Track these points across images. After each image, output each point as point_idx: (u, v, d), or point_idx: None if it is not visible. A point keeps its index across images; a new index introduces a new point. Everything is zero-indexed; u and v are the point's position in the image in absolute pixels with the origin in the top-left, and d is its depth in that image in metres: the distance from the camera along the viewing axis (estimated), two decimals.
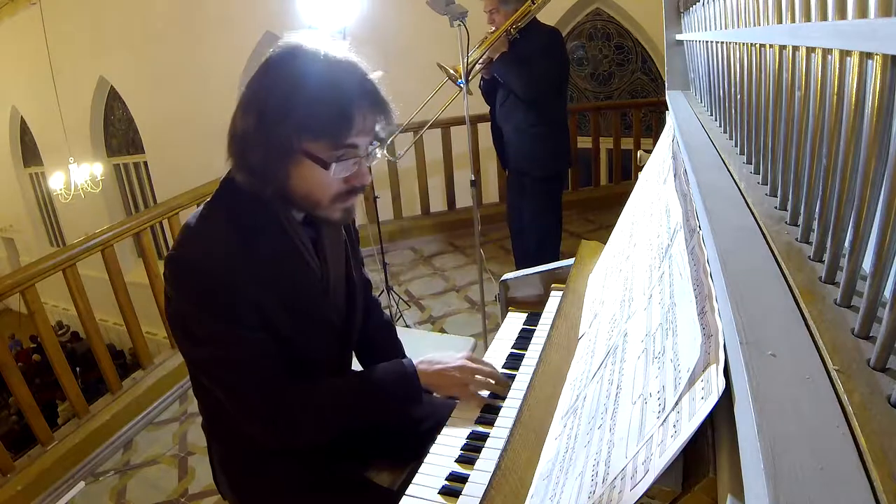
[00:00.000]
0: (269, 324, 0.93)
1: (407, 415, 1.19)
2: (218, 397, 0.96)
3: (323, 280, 1.02)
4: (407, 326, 2.97)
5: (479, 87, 2.61)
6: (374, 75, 0.89)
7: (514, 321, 1.35)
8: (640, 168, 1.42)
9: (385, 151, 0.95)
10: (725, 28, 0.95)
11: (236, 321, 0.89)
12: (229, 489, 1.13)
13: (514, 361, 1.18)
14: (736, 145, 0.93)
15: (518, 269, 1.59)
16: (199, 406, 1.11)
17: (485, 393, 1.07)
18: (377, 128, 0.90)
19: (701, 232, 0.71)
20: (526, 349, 1.21)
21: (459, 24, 2.14)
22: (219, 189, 0.95)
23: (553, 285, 1.40)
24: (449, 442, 0.98)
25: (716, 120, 1.14)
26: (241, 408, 0.95)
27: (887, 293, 0.43)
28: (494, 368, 1.11)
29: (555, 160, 2.61)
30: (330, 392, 1.01)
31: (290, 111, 0.84)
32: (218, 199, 0.94)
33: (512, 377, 1.12)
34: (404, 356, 1.28)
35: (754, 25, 0.76)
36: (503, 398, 1.06)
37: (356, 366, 1.35)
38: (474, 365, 1.07)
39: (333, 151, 0.86)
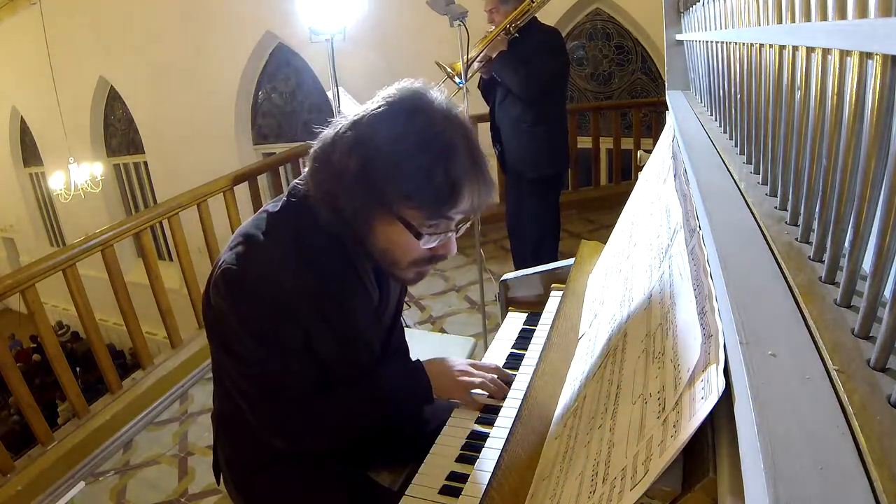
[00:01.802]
0: (313, 348, 0.91)
1: (413, 418, 1.19)
2: (238, 404, 0.96)
3: (380, 308, 1.01)
4: (407, 326, 2.96)
5: (479, 86, 2.61)
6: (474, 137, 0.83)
7: (514, 321, 1.35)
8: (640, 168, 1.42)
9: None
10: (725, 28, 0.95)
11: (279, 346, 0.87)
12: (233, 485, 1.13)
13: (514, 361, 1.18)
14: (736, 145, 0.93)
15: (517, 269, 1.59)
16: (215, 401, 1.11)
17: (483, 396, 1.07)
18: (483, 202, 0.84)
19: (701, 232, 0.71)
20: (526, 349, 1.21)
21: (459, 24, 2.14)
22: (288, 202, 0.90)
23: (553, 285, 1.40)
24: (449, 442, 0.98)
25: (716, 120, 1.14)
26: (263, 421, 0.96)
27: (887, 293, 0.43)
28: (498, 371, 1.10)
29: (552, 161, 2.59)
30: (350, 402, 1.01)
31: (399, 174, 0.78)
32: (287, 213, 0.89)
33: (512, 377, 1.12)
34: (408, 352, 1.29)
35: (754, 25, 0.76)
36: (503, 398, 1.06)
37: None
38: (476, 372, 1.07)
39: (428, 220, 0.82)
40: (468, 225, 0.88)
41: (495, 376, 1.09)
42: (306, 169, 0.88)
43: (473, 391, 1.06)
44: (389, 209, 0.81)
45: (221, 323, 0.88)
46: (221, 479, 1.17)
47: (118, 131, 7.94)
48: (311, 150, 0.86)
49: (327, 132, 0.86)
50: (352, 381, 1.02)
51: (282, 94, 6.62)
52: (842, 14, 0.46)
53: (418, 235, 0.82)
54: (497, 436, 0.97)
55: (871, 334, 0.45)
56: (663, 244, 0.84)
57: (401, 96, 0.82)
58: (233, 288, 0.84)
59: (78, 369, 6.00)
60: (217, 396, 1.10)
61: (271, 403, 0.93)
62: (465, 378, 1.05)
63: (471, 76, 2.47)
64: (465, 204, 0.81)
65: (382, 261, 0.88)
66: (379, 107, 0.82)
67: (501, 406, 1.04)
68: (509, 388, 1.08)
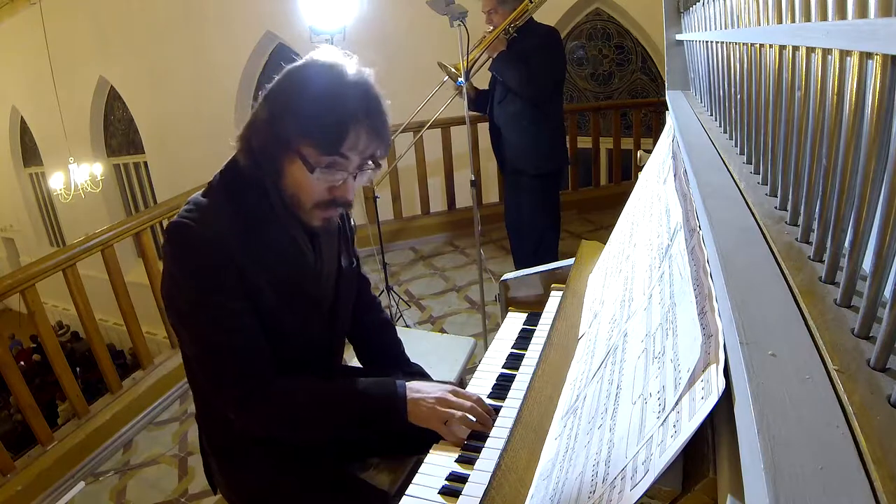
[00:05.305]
0: (258, 302, 0.95)
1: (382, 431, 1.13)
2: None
3: (316, 268, 1.05)
4: (407, 326, 2.96)
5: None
6: (385, 103, 0.94)
7: (514, 321, 1.35)
8: (640, 168, 1.42)
9: (373, 177, 1.01)
10: (725, 28, 0.95)
11: (225, 294, 0.91)
12: (224, 487, 1.13)
13: (514, 361, 1.18)
14: (736, 145, 0.93)
15: (516, 268, 1.59)
16: (194, 397, 1.12)
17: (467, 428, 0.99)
18: (376, 152, 0.94)
19: (701, 232, 0.71)
20: (526, 349, 1.21)
21: (459, 24, 2.14)
22: (223, 171, 0.99)
23: (553, 285, 1.40)
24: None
25: (716, 120, 1.14)
26: (216, 383, 0.96)
27: (887, 293, 0.43)
28: (478, 402, 1.02)
29: (550, 158, 2.61)
30: (313, 394, 0.99)
31: (295, 110, 0.90)
32: (221, 179, 0.99)
33: (511, 377, 1.12)
34: (404, 353, 1.29)
35: (754, 25, 0.76)
36: (503, 397, 1.06)
37: (352, 362, 1.35)
38: (455, 399, 1.00)
39: (322, 157, 0.90)
40: (370, 174, 0.96)
41: (475, 406, 1.00)
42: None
43: (453, 427, 0.98)
44: (289, 145, 0.91)
45: (171, 280, 0.94)
46: (217, 487, 1.17)
47: (118, 131, 7.94)
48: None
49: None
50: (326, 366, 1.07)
51: None
52: (842, 14, 0.46)
53: (311, 169, 0.91)
54: (497, 436, 0.96)
55: (871, 334, 0.45)
56: (663, 244, 0.84)
57: (307, 58, 0.94)
58: (174, 236, 0.92)
59: (78, 369, 5.99)
60: (194, 393, 1.10)
61: (224, 363, 0.94)
62: (441, 409, 0.98)
63: (473, 75, 2.48)
64: (350, 141, 0.90)
65: (292, 205, 0.96)
66: (290, 68, 0.94)
67: (501, 406, 1.04)
68: (495, 415, 1.01)
